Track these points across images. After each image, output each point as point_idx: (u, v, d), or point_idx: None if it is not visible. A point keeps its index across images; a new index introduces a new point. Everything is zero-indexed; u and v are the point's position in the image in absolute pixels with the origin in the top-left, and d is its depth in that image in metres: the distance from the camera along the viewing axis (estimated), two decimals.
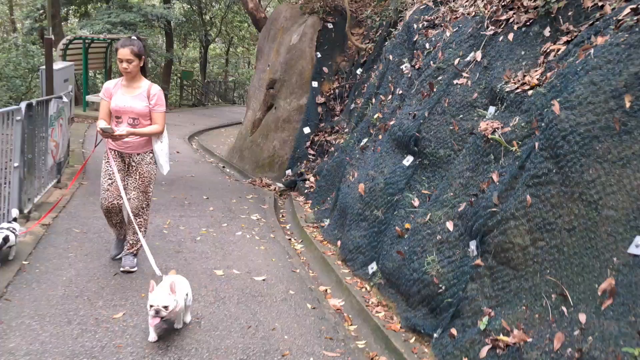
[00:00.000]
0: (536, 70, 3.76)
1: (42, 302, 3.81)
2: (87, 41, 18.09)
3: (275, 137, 9.79)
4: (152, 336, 3.39)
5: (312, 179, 8.28)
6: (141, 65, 4.25)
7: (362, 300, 4.41)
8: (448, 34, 5.26)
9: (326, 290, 4.82)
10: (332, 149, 8.31)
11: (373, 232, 4.90)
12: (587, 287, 2.77)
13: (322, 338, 3.73)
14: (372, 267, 4.72)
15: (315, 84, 9.56)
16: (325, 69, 9.70)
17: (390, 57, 6.41)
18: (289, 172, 9.17)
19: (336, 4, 10.17)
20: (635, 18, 3.05)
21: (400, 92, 5.61)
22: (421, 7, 6.26)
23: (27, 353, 3.15)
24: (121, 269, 4.43)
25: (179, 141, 14.06)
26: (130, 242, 4.51)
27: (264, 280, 4.70)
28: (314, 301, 4.40)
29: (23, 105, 5.18)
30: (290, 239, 6.33)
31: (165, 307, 3.22)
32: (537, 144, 3.25)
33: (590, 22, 3.57)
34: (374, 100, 6.59)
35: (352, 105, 8.48)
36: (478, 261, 3.38)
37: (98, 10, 22.58)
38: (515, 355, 2.82)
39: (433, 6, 6.09)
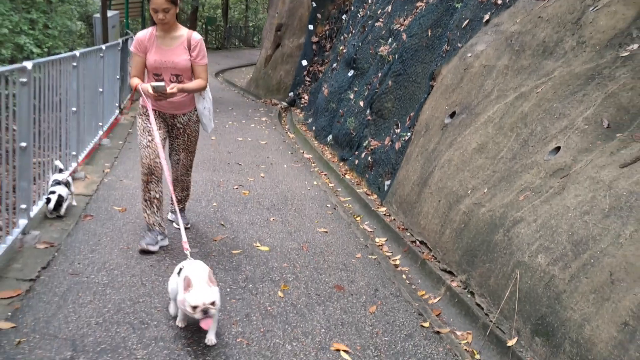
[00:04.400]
0: (408, 18, 6.89)
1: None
2: None
3: (281, 69, 12.98)
4: (180, 323, 2.85)
5: (306, 97, 11.55)
6: (177, 12, 3.69)
7: (321, 153, 7.74)
8: None
9: (303, 152, 8.16)
10: (321, 75, 11.48)
11: (330, 117, 8.18)
12: (405, 118, 6.03)
13: (293, 161, 7.13)
14: (329, 137, 8.03)
15: (311, 27, 12.64)
16: (318, 15, 12.73)
17: (352, 7, 9.50)
18: (291, 94, 12.41)
19: None
20: None
21: (354, 31, 8.76)
22: None
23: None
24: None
25: (208, 77, 17.32)
26: (179, 198, 4.20)
27: (265, 143, 8.08)
28: (293, 152, 7.77)
29: (121, 41, 8.50)
30: (287, 132, 9.66)
31: (213, 304, 2.61)
32: (397, 56, 6.44)
33: None
34: (342, 37, 9.72)
35: (337, 43, 11.58)
36: (369, 118, 6.65)
37: None
38: (374, 151, 6.13)
39: None
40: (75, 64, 4.99)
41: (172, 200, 4.19)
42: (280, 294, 3.34)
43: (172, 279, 2.93)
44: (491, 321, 3.23)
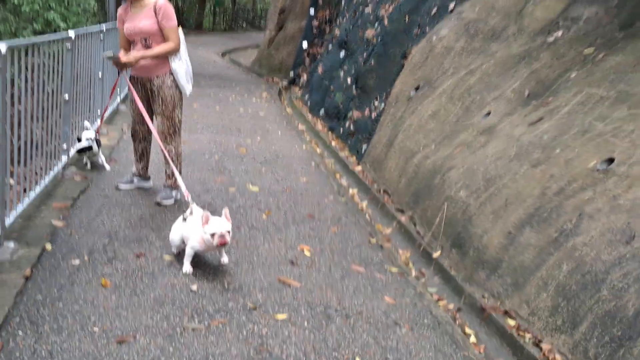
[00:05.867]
0: (392, 5, 7.78)
1: None
2: None
3: (283, 50, 13.88)
4: (188, 268, 3.22)
5: (305, 76, 12.46)
6: None
7: (313, 124, 8.68)
8: None
9: (298, 123, 9.10)
10: (319, 56, 12.37)
11: (323, 93, 9.11)
12: (383, 93, 6.95)
13: (287, 129, 8.08)
14: (321, 111, 8.96)
15: (312, 11, 13.47)
16: (320, 0, 13.57)
17: None
18: (291, 73, 13.31)
19: None
20: None
21: (347, 15, 9.65)
22: None
23: None
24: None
25: (215, 56, 18.23)
26: (167, 173, 4.30)
27: (264, 114, 9.03)
28: (288, 123, 8.72)
29: None
30: (285, 107, 10.59)
31: (229, 232, 3.06)
32: (379, 38, 7.35)
33: None
34: (338, 22, 10.61)
35: (335, 27, 12.46)
36: (354, 93, 7.58)
37: None
38: (356, 121, 7.07)
39: None
40: (102, 37, 5.94)
41: (165, 175, 4.35)
42: (264, 216, 4.32)
43: (176, 225, 3.37)
44: (424, 241, 4.19)
